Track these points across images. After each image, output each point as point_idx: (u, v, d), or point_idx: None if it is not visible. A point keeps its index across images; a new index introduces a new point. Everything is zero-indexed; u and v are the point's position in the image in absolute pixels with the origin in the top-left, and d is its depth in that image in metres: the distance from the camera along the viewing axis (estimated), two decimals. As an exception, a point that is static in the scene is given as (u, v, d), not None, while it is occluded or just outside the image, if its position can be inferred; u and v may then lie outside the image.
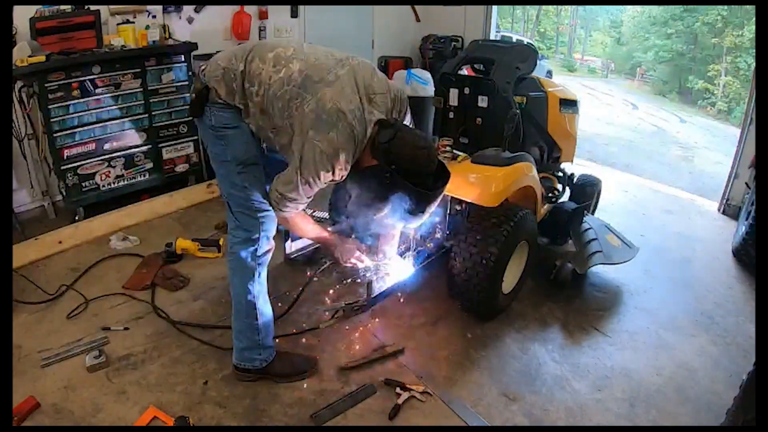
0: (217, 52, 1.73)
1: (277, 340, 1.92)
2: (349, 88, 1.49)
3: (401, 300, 2.34)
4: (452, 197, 2.24)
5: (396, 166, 1.46)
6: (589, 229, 2.62)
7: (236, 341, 1.80)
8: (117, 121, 3.13)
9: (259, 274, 1.72)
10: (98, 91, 3.00)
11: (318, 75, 1.50)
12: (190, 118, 3.41)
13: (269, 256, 1.74)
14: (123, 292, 2.34)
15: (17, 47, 2.71)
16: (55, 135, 2.90)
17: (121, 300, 2.29)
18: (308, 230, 1.77)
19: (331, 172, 1.48)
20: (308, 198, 1.56)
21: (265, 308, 1.78)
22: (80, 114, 2.96)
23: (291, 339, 2.06)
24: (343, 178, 1.54)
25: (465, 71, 2.90)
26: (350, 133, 1.45)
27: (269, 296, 1.81)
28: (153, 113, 3.27)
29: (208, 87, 1.56)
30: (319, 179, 1.48)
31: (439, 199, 1.58)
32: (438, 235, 2.37)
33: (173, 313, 2.22)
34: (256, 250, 1.67)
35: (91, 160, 3.07)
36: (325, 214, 2.80)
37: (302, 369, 1.88)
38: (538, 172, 2.46)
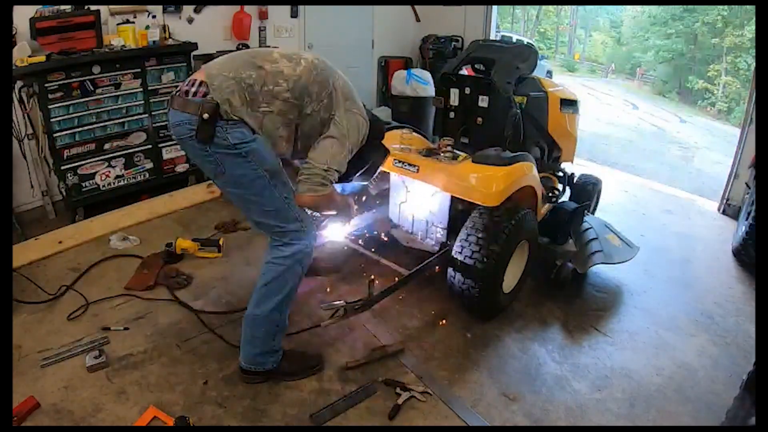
0: (217, 53, 1.73)
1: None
2: None
3: (401, 300, 2.34)
4: (453, 197, 2.24)
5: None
6: (589, 228, 2.62)
7: (249, 347, 1.78)
8: (117, 121, 3.13)
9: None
10: (98, 91, 3.00)
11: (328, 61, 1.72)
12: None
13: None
14: (123, 293, 2.34)
15: (17, 47, 2.72)
16: (55, 135, 2.90)
17: (121, 300, 2.29)
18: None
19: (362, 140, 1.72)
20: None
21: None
22: (80, 114, 2.97)
23: (292, 339, 2.05)
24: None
25: (465, 71, 2.90)
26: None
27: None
28: (153, 113, 3.27)
29: (219, 104, 1.50)
30: (355, 147, 1.70)
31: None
32: (439, 235, 2.38)
33: (173, 312, 2.22)
34: (309, 241, 1.71)
35: (91, 160, 3.07)
36: None
37: (310, 365, 1.89)
38: (539, 171, 2.46)
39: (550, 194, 2.76)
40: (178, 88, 1.61)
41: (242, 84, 1.53)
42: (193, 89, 1.55)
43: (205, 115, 1.49)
